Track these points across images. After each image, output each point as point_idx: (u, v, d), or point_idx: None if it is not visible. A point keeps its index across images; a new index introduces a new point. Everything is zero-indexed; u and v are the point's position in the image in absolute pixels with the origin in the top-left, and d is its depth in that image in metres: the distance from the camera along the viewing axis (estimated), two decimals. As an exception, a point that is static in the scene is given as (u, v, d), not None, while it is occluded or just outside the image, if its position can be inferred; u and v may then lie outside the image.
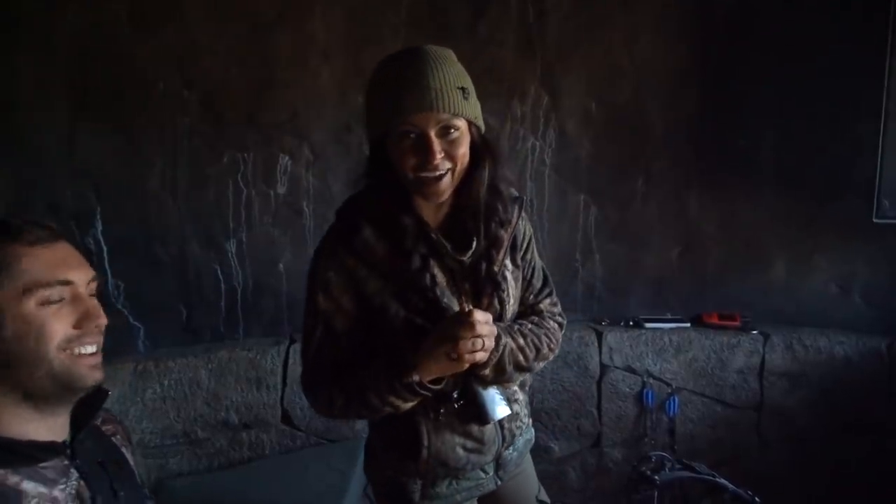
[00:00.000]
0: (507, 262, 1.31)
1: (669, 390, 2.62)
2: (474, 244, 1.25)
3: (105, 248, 2.29)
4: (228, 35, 2.34)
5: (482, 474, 1.38)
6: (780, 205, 2.73)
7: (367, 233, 1.20)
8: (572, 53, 2.62)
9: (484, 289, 1.27)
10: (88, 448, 0.97)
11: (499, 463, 1.39)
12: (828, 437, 2.63)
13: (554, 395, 2.58)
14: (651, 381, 2.62)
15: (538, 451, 2.60)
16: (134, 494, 1.02)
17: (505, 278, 1.30)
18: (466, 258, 1.24)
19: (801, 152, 2.69)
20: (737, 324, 2.71)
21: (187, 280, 2.41)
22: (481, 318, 1.11)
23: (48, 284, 0.89)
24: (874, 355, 2.63)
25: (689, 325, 2.71)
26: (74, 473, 0.93)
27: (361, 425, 2.45)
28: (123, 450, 1.07)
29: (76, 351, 0.91)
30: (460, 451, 1.31)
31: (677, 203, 2.76)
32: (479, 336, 1.10)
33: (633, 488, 2.15)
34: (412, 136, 1.13)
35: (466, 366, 1.14)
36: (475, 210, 1.25)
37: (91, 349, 0.93)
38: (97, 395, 0.96)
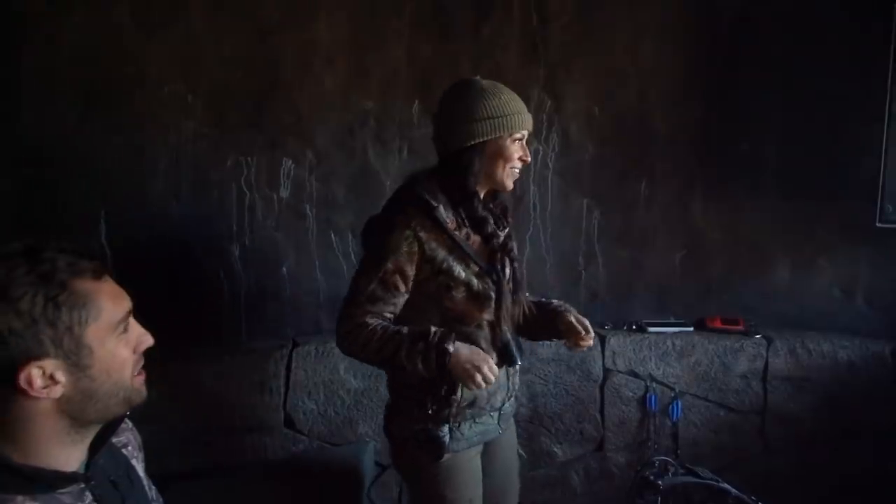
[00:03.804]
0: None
1: (673, 394, 2.62)
2: (508, 225, 1.69)
3: (109, 252, 2.30)
4: (232, 39, 2.35)
5: (491, 420, 1.72)
6: (783, 209, 2.73)
7: (442, 210, 1.56)
8: (576, 58, 2.63)
9: (512, 257, 1.67)
10: (102, 467, 0.97)
11: (500, 413, 1.75)
12: (831, 441, 2.62)
13: (557, 399, 2.58)
14: (654, 385, 2.61)
15: (541, 456, 2.61)
16: None
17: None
18: (503, 235, 1.66)
19: (804, 157, 2.69)
20: (740, 328, 2.70)
21: (190, 283, 2.41)
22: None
23: (122, 319, 0.92)
24: (878, 359, 2.62)
25: (692, 329, 2.71)
26: (88, 496, 0.92)
27: (364, 429, 2.45)
28: (134, 461, 1.07)
29: (134, 373, 0.95)
30: (483, 392, 1.63)
31: (680, 207, 2.76)
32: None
33: (636, 493, 2.16)
34: (521, 138, 1.61)
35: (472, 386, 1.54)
36: (503, 198, 1.71)
37: (139, 368, 0.97)
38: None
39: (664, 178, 2.74)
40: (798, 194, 2.71)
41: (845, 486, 2.59)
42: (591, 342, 1.69)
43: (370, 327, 1.55)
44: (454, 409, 1.62)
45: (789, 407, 2.64)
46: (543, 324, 1.77)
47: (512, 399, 1.79)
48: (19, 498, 0.84)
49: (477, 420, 1.68)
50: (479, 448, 1.73)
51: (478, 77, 1.62)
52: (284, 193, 2.46)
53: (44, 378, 0.84)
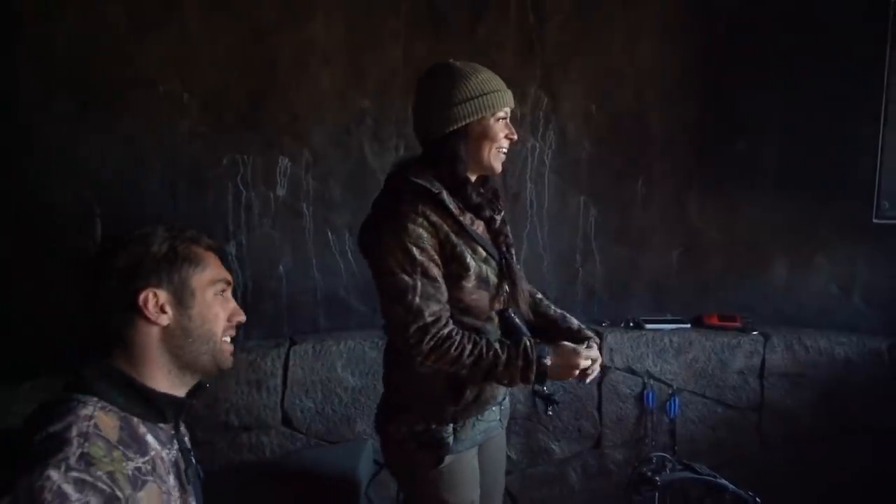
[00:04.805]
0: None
1: (670, 391, 2.62)
2: (501, 210, 1.64)
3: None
4: (228, 39, 2.35)
5: (493, 416, 1.67)
6: (780, 206, 2.73)
7: (446, 196, 1.50)
8: (573, 57, 2.63)
9: (508, 243, 1.63)
10: (183, 431, 1.13)
11: (501, 408, 1.71)
12: (828, 437, 2.63)
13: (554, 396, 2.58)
14: (652, 382, 2.62)
15: (539, 453, 2.61)
16: (199, 486, 1.17)
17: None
18: (498, 220, 1.62)
19: (801, 154, 2.70)
20: (737, 324, 2.71)
21: (188, 282, 2.41)
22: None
23: (221, 279, 1.12)
24: (875, 356, 2.63)
25: (689, 326, 2.71)
26: (176, 444, 1.09)
27: (362, 427, 2.45)
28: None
29: (225, 338, 1.13)
30: (487, 387, 1.60)
31: (678, 205, 2.77)
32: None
33: (634, 489, 2.16)
34: (504, 117, 1.55)
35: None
36: (493, 182, 1.66)
37: (229, 339, 1.14)
38: (201, 384, 1.15)
39: (661, 176, 2.74)
40: (795, 193, 2.71)
41: (842, 482, 2.59)
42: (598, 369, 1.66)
43: (455, 342, 1.47)
44: (460, 407, 1.56)
45: (786, 403, 2.65)
46: (546, 328, 1.71)
47: (506, 400, 1.75)
48: (135, 420, 1.01)
49: (480, 418, 1.63)
50: (477, 449, 1.68)
51: (451, 60, 1.56)
52: (281, 192, 2.47)
53: (156, 305, 1.03)
